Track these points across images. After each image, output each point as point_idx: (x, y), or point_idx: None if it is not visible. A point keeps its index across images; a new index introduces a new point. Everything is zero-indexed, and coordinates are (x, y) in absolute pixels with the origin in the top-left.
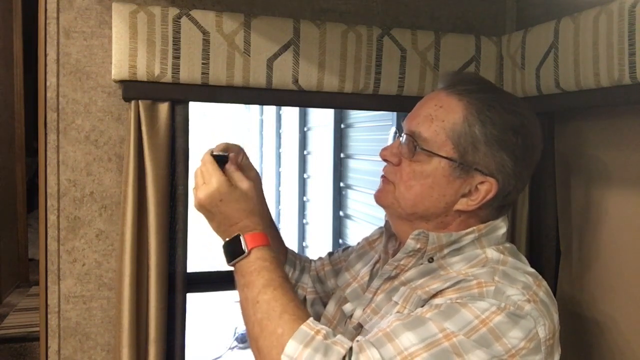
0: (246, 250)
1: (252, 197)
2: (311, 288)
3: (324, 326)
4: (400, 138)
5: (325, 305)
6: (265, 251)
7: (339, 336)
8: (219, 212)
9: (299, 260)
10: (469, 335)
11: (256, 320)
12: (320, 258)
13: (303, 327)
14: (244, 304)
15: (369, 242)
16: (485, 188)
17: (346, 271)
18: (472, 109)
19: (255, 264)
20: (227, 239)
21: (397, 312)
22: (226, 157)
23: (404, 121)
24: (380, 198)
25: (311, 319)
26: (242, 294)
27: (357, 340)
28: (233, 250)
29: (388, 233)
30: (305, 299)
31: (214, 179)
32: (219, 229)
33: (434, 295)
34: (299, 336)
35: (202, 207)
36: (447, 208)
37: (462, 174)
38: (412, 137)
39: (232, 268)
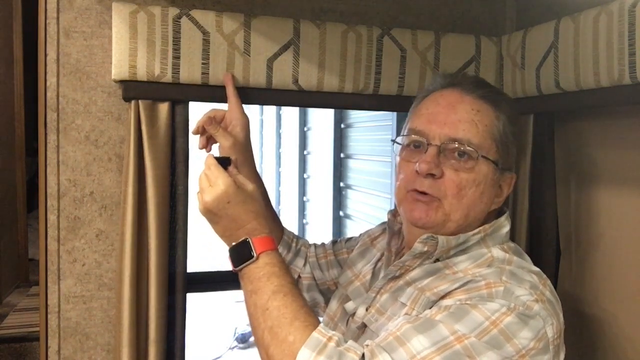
0: (255, 255)
1: (258, 199)
2: (308, 273)
3: (335, 332)
4: (435, 148)
5: (321, 292)
6: (273, 256)
7: (350, 342)
8: (226, 215)
9: (295, 243)
10: (480, 337)
11: (266, 328)
12: (322, 245)
13: (315, 334)
14: (252, 311)
15: (371, 239)
16: (507, 183)
17: (348, 269)
18: (499, 111)
19: (264, 269)
20: (234, 244)
21: (406, 313)
22: (229, 160)
23: (429, 128)
24: (426, 219)
25: (322, 325)
26: (250, 300)
27: (367, 345)
28: (240, 255)
29: (391, 231)
30: (297, 281)
31: (221, 181)
32: (224, 233)
33: (443, 297)
34: (312, 343)
35: (208, 211)
36: (486, 211)
37: (499, 174)
38: (460, 143)
39: (232, 268)
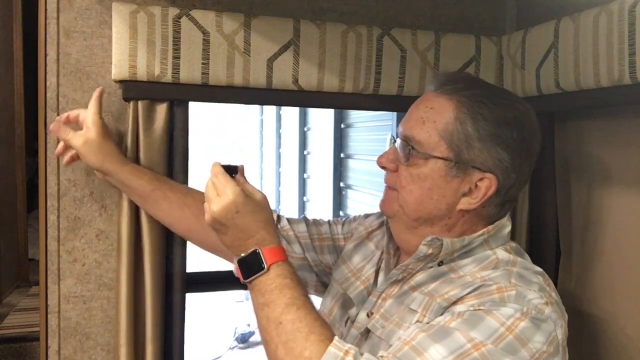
0: (265, 267)
1: (267, 207)
2: (299, 254)
3: (350, 345)
4: (395, 144)
5: (316, 273)
6: (285, 267)
7: (366, 354)
8: (235, 225)
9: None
10: (496, 343)
11: (280, 342)
12: (315, 225)
13: (331, 348)
14: (264, 324)
15: (367, 232)
16: (485, 185)
17: (343, 264)
18: (462, 106)
19: (276, 281)
20: (243, 255)
21: (417, 321)
22: (236, 168)
23: (398, 126)
24: (385, 207)
25: (337, 337)
26: (262, 313)
27: (382, 356)
28: (250, 267)
29: (389, 231)
30: None
31: (229, 190)
32: (233, 244)
33: (454, 302)
34: (329, 358)
35: (216, 221)
36: (450, 209)
37: (459, 173)
38: (406, 141)
39: (235, 273)
